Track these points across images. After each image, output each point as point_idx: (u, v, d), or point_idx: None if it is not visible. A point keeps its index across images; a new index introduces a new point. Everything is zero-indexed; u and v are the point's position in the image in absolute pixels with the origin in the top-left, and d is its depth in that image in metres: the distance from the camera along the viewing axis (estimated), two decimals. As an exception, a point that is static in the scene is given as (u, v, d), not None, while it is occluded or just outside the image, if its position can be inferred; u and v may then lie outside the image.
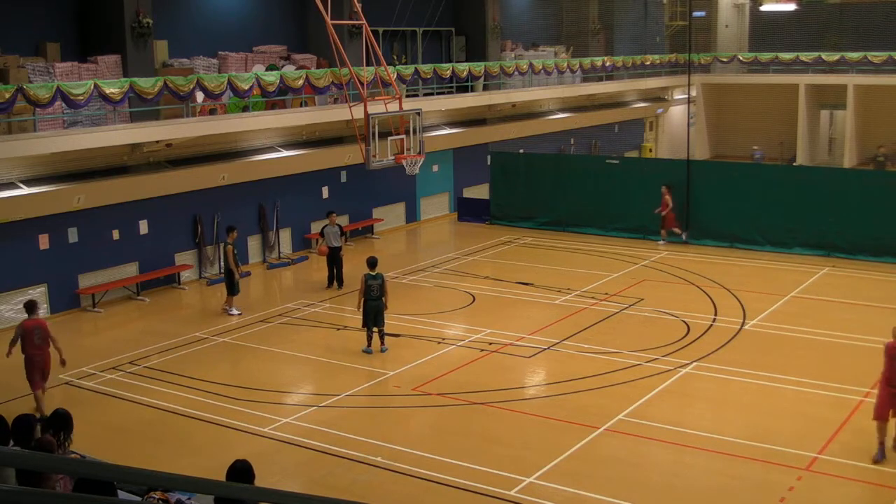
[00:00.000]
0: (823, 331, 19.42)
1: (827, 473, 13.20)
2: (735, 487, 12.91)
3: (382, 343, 18.51)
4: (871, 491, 12.69)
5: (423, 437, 14.76)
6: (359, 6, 24.83)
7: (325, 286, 23.53)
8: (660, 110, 45.76)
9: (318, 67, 27.35)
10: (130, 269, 23.24)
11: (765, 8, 44.88)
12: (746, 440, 14.19)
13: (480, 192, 33.34)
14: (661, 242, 27.67)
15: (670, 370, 17.16)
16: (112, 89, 20.82)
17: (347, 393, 16.36)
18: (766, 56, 44.89)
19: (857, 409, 15.29)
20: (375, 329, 18.43)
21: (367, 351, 18.41)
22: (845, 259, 25.29)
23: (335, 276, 23.57)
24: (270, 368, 17.94)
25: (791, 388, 16.30)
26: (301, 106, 27.01)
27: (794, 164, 41.38)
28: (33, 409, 15.03)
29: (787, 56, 43.91)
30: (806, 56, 43.37)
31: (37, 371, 15.44)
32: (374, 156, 24.01)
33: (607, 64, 40.12)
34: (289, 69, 26.31)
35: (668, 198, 27.37)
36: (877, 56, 41.75)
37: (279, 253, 26.66)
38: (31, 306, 15.68)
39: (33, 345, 15.35)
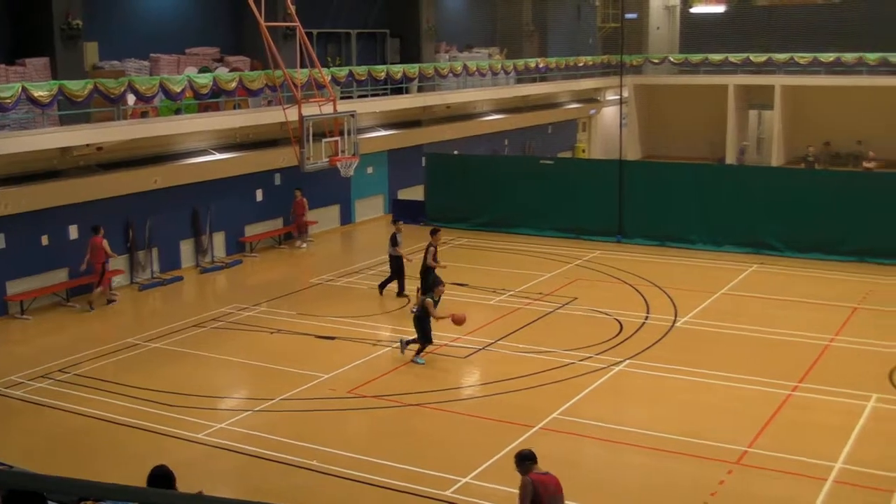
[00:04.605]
0: (752, 327, 19.80)
1: (756, 466, 13.47)
2: (668, 483, 13.12)
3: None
4: (799, 482, 12.98)
5: (360, 439, 14.76)
6: (293, 8, 24.77)
7: (396, 293, 22.79)
8: (592, 111, 46.24)
9: (251, 69, 27.20)
10: (60, 275, 22.85)
11: (695, 10, 45.65)
12: (679, 436, 14.41)
13: (415, 193, 33.38)
14: (304, 245, 28.52)
15: (604, 368, 17.37)
16: (40, 92, 20.50)
17: (282, 397, 16.28)
18: (696, 57, 45.68)
19: (784, 403, 15.63)
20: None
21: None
22: (774, 256, 25.83)
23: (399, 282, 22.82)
24: (204, 374, 17.79)
25: (721, 384, 16.61)
26: (234, 108, 26.84)
27: (724, 163, 42.16)
28: None
29: (716, 57, 44.74)
30: (735, 57, 44.24)
31: (93, 275, 22.27)
32: (309, 158, 23.97)
33: (541, 65, 40.49)
34: (222, 71, 26.12)
35: (302, 201, 28.22)
36: (803, 57, 42.73)
37: (212, 257, 26.42)
38: (95, 227, 22.14)
39: (90, 254, 22.07)
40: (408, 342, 18.17)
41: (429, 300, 17.91)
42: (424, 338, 17.88)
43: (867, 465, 13.34)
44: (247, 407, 16.04)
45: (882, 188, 25.64)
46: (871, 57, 41.48)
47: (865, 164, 37.71)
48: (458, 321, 17.81)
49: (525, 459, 10.03)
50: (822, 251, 25.47)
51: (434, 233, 21.77)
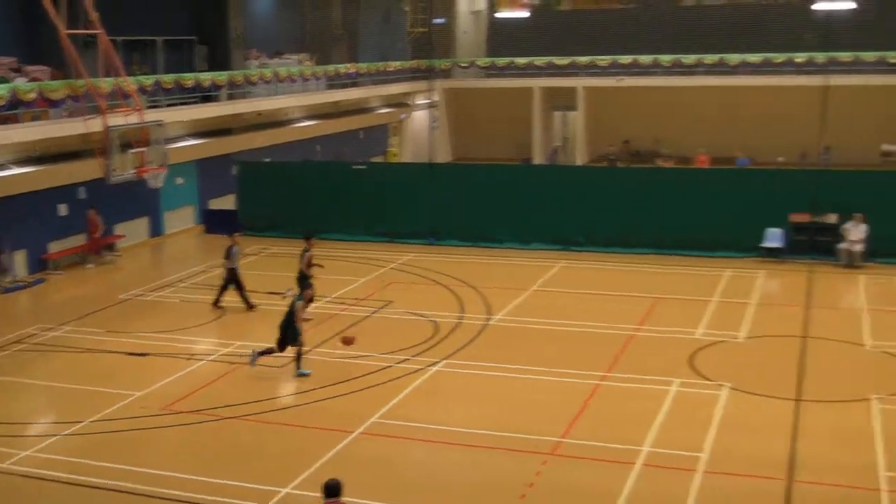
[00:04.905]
0: (562, 321, 20.55)
1: (570, 456, 13.99)
2: (488, 478, 13.44)
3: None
4: (611, 468, 13.56)
5: (177, 456, 14.46)
6: (94, 15, 24.02)
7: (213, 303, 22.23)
8: (403, 115, 46.71)
9: (52, 79, 26.12)
10: None
11: (500, 15, 46.74)
12: (496, 431, 14.80)
13: (228, 202, 32.89)
14: (90, 266, 26.97)
15: (421, 369, 17.64)
16: None
17: (93, 418, 15.76)
18: (502, 61, 46.90)
19: (595, 393, 16.29)
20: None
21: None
22: (580, 252, 26.85)
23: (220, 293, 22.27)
24: (6, 400, 16.93)
25: (535, 378, 17.15)
26: (34, 120, 25.69)
27: (531, 163, 43.50)
28: None
29: (521, 61, 46.09)
30: (539, 61, 45.68)
31: None
32: (115, 170, 23.33)
33: (351, 71, 40.62)
34: (20, 82, 25.01)
35: (96, 220, 26.94)
36: (603, 59, 44.54)
37: (13, 276, 25.25)
38: None
39: None
40: (260, 353, 17.86)
41: (300, 303, 17.70)
42: (283, 343, 17.63)
43: (672, 447, 14.09)
44: (55, 431, 15.43)
45: (676, 184, 27.05)
46: (666, 59, 43.69)
47: (660, 162, 39.62)
48: (348, 342, 17.79)
49: (322, 489, 10.11)
50: (624, 245, 26.69)
51: (308, 238, 21.54)
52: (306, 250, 21.15)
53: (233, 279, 22.12)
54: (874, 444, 14.05)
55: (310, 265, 21.07)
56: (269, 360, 18.28)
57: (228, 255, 22.05)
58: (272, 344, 17.88)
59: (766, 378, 16.82)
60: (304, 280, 20.67)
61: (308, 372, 17.59)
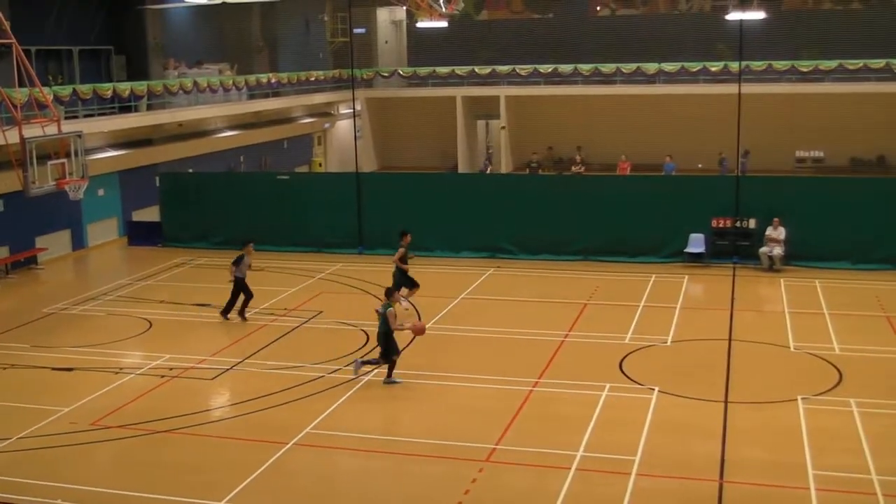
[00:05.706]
0: (493, 328, 20.65)
1: (506, 462, 14.07)
2: (423, 487, 13.44)
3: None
4: (546, 473, 13.66)
5: (108, 472, 14.20)
6: (6, 24, 23.51)
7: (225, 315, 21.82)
8: (327, 125, 46.56)
9: (-37, 90, 25.51)
10: None
11: (420, 25, 46.90)
12: (430, 440, 14.84)
13: (151, 214, 32.40)
14: None
15: (353, 379, 17.56)
16: None
17: (20, 435, 15.38)
18: (424, 70, 47.05)
19: (527, 399, 16.40)
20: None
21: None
22: (508, 259, 27.03)
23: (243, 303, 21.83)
24: (-71, 417, 16.52)
25: (468, 386, 17.22)
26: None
27: (457, 171, 43.68)
28: None
29: (443, 70, 46.32)
30: (461, 70, 45.96)
31: None
32: (34, 182, 22.84)
33: (272, 80, 40.39)
34: (-70, 92, 24.37)
35: None
36: (524, 69, 45.01)
37: (-70, 291, 24.59)
38: None
39: None
40: (363, 363, 17.59)
41: (391, 310, 17.25)
42: (386, 355, 17.31)
43: (605, 451, 14.24)
44: (-20, 449, 15.06)
45: (602, 190, 27.39)
46: (585, 68, 44.30)
47: (573, 169, 40.10)
48: (419, 331, 17.85)
49: None
50: (551, 252, 26.93)
51: (402, 234, 22.20)
52: (401, 246, 21.98)
53: (240, 288, 21.75)
54: (802, 443, 14.39)
55: (402, 261, 21.91)
56: (200, 372, 18.11)
57: (238, 263, 21.70)
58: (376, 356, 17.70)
59: (695, 381, 17.12)
60: (395, 276, 21.58)
61: (400, 381, 17.37)
